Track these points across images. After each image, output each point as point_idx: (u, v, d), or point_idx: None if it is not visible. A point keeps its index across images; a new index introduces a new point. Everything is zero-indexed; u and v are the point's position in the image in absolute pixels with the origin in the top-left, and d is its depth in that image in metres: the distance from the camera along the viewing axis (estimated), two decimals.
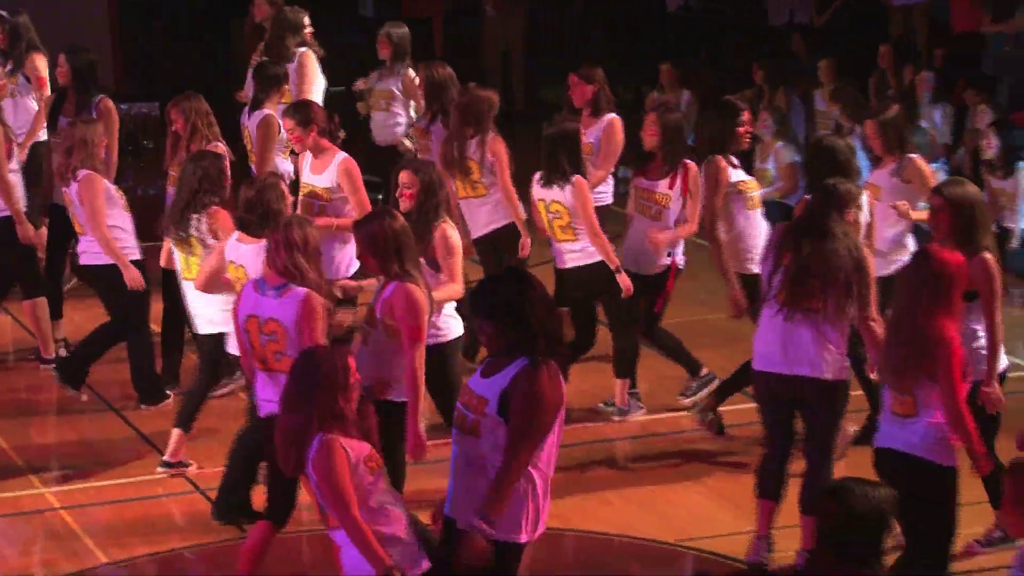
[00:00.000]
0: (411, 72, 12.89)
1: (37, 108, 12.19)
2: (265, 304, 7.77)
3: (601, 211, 10.55)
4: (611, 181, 11.53)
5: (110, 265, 10.19)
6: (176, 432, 9.64)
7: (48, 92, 12.23)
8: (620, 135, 11.31)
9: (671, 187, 10.08)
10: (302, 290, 7.71)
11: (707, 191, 9.96)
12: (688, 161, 10.15)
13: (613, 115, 11.30)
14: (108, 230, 10.12)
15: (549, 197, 10.09)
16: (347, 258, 10.07)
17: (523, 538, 6.39)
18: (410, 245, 7.88)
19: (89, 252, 10.31)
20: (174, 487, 9.52)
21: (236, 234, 8.82)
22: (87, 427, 10.61)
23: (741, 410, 10.14)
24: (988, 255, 8.16)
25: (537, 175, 10.18)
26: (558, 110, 11.53)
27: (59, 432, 10.64)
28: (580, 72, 11.38)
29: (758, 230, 9.98)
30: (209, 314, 9.45)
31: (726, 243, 9.92)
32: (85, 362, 10.53)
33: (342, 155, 10.16)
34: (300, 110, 10.22)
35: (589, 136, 11.08)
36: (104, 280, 10.34)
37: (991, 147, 13.29)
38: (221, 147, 10.40)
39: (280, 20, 12.82)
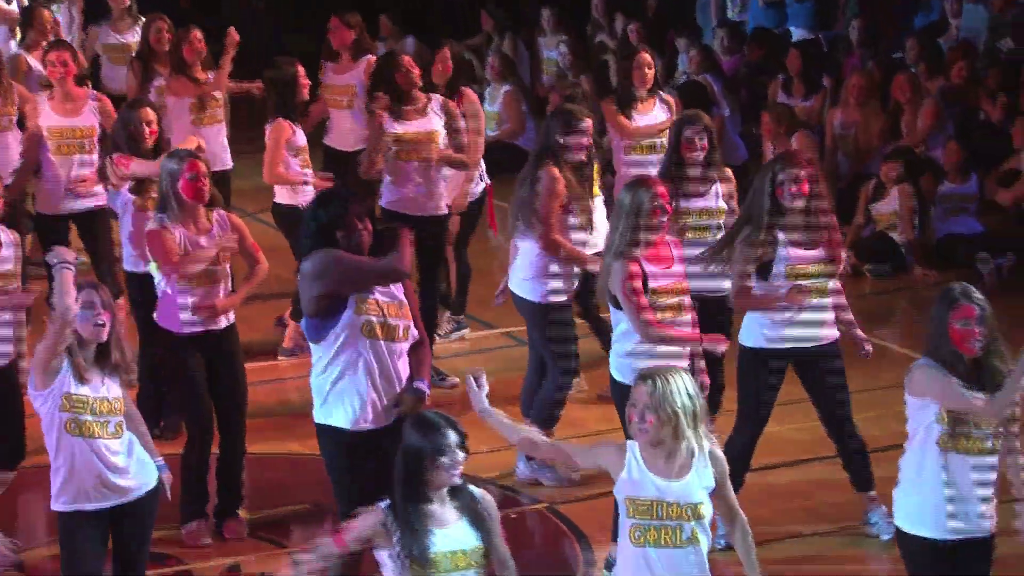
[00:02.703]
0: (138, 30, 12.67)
1: None
2: None
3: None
4: None
5: None
6: None
7: None
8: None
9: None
10: None
11: (371, 141, 10.04)
12: (464, 88, 10.59)
13: (371, 56, 11.46)
14: None
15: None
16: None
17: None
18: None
19: None
20: None
21: None
22: None
23: None
24: None
25: None
26: (301, 58, 11.07)
27: None
28: (341, 16, 11.58)
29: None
30: None
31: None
32: None
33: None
34: None
35: (352, 79, 11.45)
36: None
37: None
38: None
39: None
